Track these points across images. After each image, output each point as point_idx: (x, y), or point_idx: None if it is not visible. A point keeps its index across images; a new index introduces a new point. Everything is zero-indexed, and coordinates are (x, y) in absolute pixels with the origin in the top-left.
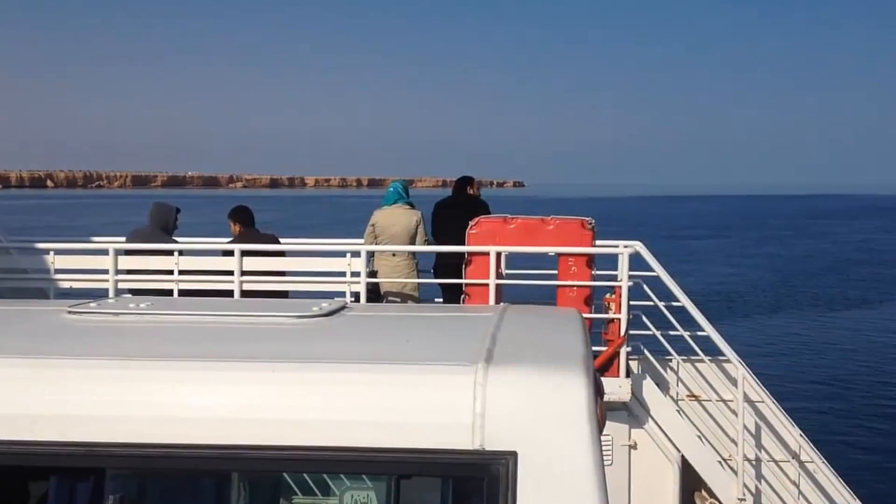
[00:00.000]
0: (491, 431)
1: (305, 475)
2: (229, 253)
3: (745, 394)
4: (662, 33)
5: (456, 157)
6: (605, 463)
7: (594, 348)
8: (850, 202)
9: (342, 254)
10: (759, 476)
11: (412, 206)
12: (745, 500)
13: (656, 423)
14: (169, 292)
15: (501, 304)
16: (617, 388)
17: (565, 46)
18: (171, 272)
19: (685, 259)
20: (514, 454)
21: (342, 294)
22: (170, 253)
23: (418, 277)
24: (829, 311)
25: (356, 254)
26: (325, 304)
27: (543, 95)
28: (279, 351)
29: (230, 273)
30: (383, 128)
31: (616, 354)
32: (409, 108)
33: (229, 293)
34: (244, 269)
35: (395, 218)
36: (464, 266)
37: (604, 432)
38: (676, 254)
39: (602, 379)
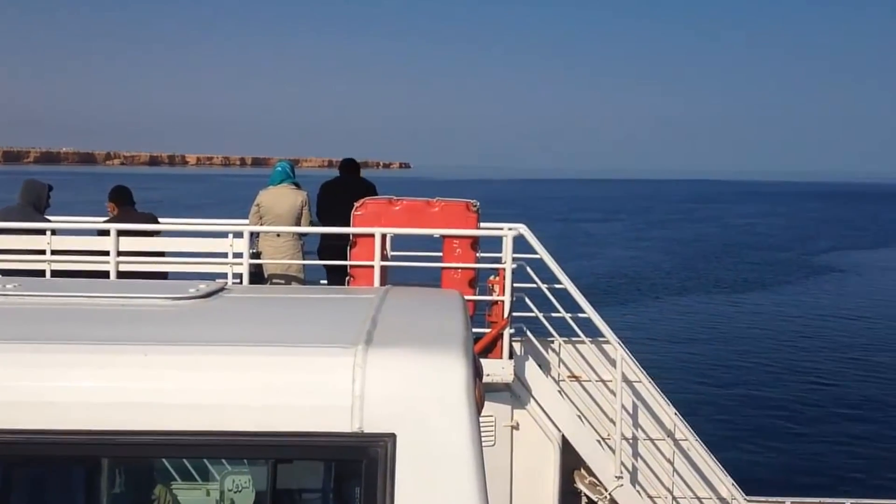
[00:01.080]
0: (370, 414)
1: (185, 460)
2: (105, 232)
3: (623, 374)
4: (554, 13)
5: (343, 137)
6: (488, 444)
7: (478, 330)
8: (735, 188)
9: (224, 234)
10: (636, 454)
11: (298, 186)
12: (622, 477)
13: (538, 403)
14: (41, 273)
15: (383, 286)
16: (500, 369)
17: (451, 21)
18: (42, 252)
19: (585, 242)
20: (392, 436)
21: (224, 276)
22: (42, 232)
23: (303, 259)
24: (722, 294)
25: (239, 234)
26: (203, 286)
27: (430, 75)
28: (152, 334)
29: (105, 253)
30: (268, 106)
31: (499, 336)
32: (294, 86)
33: (105, 274)
34: (120, 249)
35: (281, 198)
36: (349, 248)
37: (487, 413)
38: (574, 237)
39: (485, 360)
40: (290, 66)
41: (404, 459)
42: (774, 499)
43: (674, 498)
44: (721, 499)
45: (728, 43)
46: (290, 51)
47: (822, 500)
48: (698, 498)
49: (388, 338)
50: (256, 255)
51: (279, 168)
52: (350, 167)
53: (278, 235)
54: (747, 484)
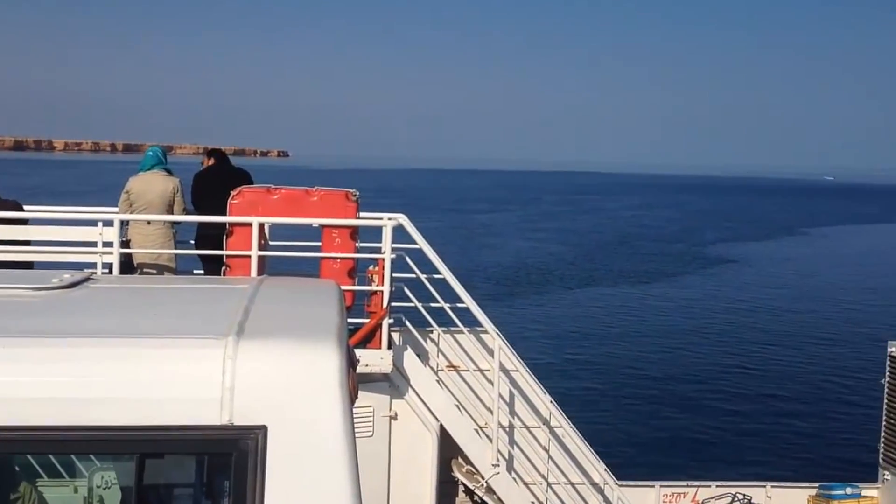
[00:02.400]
0: (240, 406)
1: (50, 457)
2: None
3: (500, 364)
4: (437, 7)
5: (219, 124)
6: (365, 434)
7: (357, 320)
8: (613, 180)
9: (94, 223)
10: (513, 442)
11: (170, 172)
12: (498, 465)
13: (417, 393)
14: None
15: (257, 276)
16: (379, 359)
17: (329, 4)
18: None
19: (484, 233)
20: (263, 428)
21: (94, 266)
22: None
23: (175, 248)
24: (616, 285)
25: (109, 223)
26: (67, 276)
27: (310, 62)
28: (12, 325)
29: None
30: (141, 90)
31: (378, 326)
32: (167, 70)
33: None
34: None
35: (151, 184)
36: (225, 237)
37: (365, 404)
38: (471, 227)
39: (364, 351)
40: (163, 49)
41: (275, 452)
42: (644, 482)
43: (549, 484)
44: (594, 484)
45: (607, 33)
46: (163, 32)
47: (690, 482)
48: (572, 484)
49: (259, 328)
50: (127, 244)
51: (150, 153)
52: (220, 156)
53: (149, 223)
54: (619, 469)
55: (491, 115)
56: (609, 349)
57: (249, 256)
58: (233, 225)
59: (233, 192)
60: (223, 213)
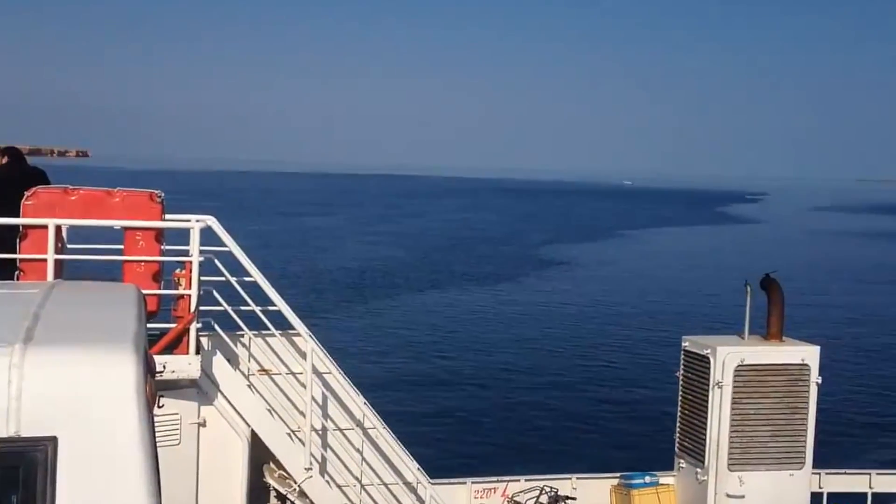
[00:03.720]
0: (28, 417)
1: None
2: None
3: (314, 366)
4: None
5: (12, 121)
6: (172, 442)
7: (163, 325)
8: (429, 183)
9: None
10: (326, 445)
11: None
12: (311, 469)
13: (226, 399)
14: None
15: (50, 281)
16: (186, 365)
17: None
18: None
19: (318, 236)
20: (53, 440)
21: None
22: None
23: None
24: (438, 287)
25: None
26: None
27: (110, 57)
28: None
29: None
30: None
31: (185, 331)
32: None
33: None
34: None
35: None
36: (18, 241)
37: (171, 411)
38: (304, 231)
39: (171, 357)
40: None
41: (67, 463)
42: (456, 480)
43: (362, 486)
44: (407, 483)
45: (423, 34)
46: None
47: (500, 477)
48: (385, 484)
49: (50, 335)
50: None
51: None
52: (15, 155)
53: None
54: (432, 468)
55: (308, 117)
56: (425, 350)
57: (45, 260)
58: (27, 227)
59: (27, 193)
60: (17, 216)
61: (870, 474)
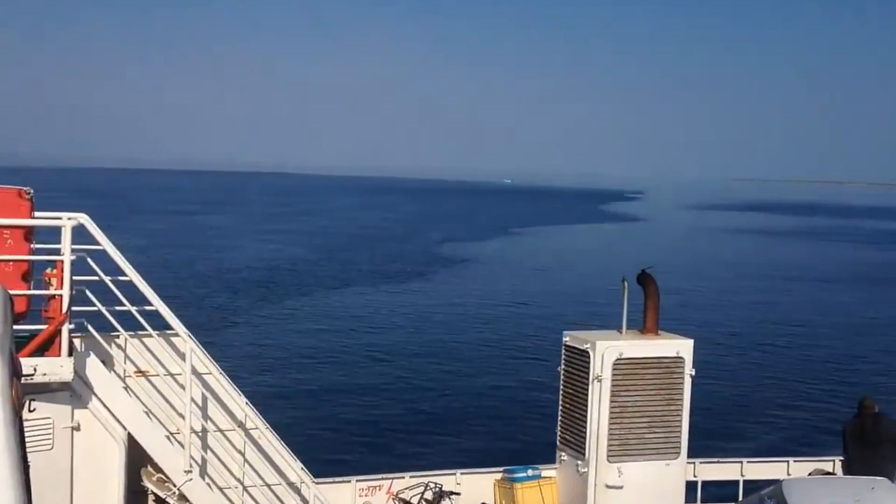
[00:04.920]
0: None
1: None
2: None
3: (193, 367)
4: None
5: None
6: (44, 447)
7: (34, 327)
8: (316, 181)
9: None
10: (207, 447)
11: None
12: (191, 471)
13: (101, 401)
14: None
15: None
16: (58, 368)
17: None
18: None
19: (215, 235)
20: None
21: None
22: None
23: None
24: (345, 285)
25: None
26: None
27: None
28: None
29: None
30: None
31: (57, 333)
32: None
33: None
34: None
35: None
36: None
37: (43, 415)
38: (200, 230)
39: (42, 359)
40: None
41: None
42: (341, 478)
43: (244, 487)
44: (290, 484)
45: (299, 32)
46: None
47: (385, 475)
48: (268, 485)
49: None
50: None
51: None
52: None
53: None
54: (316, 467)
55: (186, 115)
56: (310, 350)
57: None
58: None
59: None
60: None
61: (741, 462)
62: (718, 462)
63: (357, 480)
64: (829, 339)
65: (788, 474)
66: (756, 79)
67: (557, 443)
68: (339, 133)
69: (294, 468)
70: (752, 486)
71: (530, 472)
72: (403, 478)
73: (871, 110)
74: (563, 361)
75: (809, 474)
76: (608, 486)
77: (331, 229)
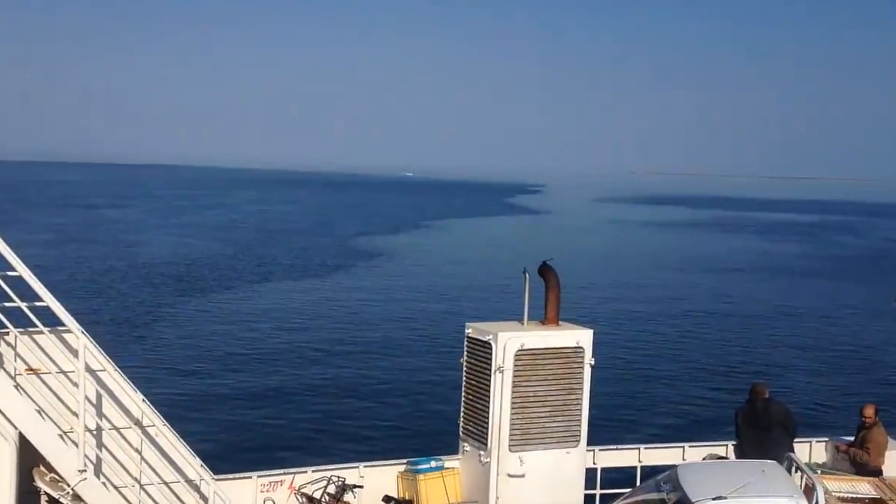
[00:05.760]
0: None
1: None
2: None
3: (87, 364)
4: None
5: None
6: None
7: None
8: (201, 174)
9: None
10: (102, 445)
11: None
12: (86, 470)
13: None
14: None
15: None
16: None
17: None
18: None
19: (121, 230)
20: None
21: None
22: None
23: None
24: (251, 279)
25: None
26: None
27: None
28: None
29: None
30: None
31: None
32: None
33: None
34: None
35: None
36: None
37: None
38: (101, 224)
39: None
40: None
41: None
42: (242, 475)
43: (141, 486)
44: (189, 481)
45: (200, 27)
46: None
47: (287, 470)
48: (166, 483)
49: None
50: None
51: None
52: None
53: None
54: (216, 464)
55: (79, 105)
56: (210, 346)
57: None
58: None
59: None
60: None
61: (639, 449)
62: (617, 449)
63: (258, 476)
64: (723, 327)
65: (684, 459)
66: (653, 72)
67: (460, 434)
68: (232, 126)
69: (193, 465)
70: (650, 471)
71: (433, 464)
72: (306, 472)
73: (764, 106)
74: (465, 353)
75: (703, 459)
76: (510, 475)
77: (240, 223)
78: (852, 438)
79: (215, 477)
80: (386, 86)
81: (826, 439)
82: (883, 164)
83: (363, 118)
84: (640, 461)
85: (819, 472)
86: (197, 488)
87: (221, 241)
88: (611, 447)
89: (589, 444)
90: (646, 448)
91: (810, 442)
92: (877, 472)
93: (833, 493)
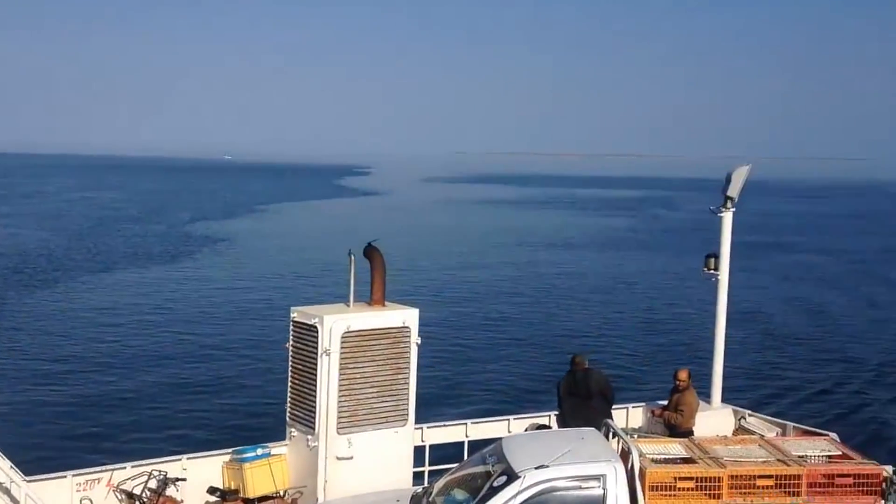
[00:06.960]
0: None
1: None
2: None
3: None
4: None
5: None
6: None
7: None
8: (6, 161)
9: None
10: None
11: None
12: None
13: None
14: None
15: None
16: None
17: None
18: None
19: None
20: None
21: None
22: None
23: None
24: (102, 272)
25: None
26: None
27: None
28: None
29: None
30: None
31: None
32: None
33: None
34: None
35: None
36: None
37: None
38: None
39: None
40: None
41: None
42: (56, 475)
43: None
44: None
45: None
46: None
47: (105, 467)
48: None
49: None
50: None
51: None
52: None
53: None
54: (29, 465)
55: None
56: (24, 340)
57: None
58: None
59: None
60: None
61: (465, 424)
62: (445, 426)
63: (74, 475)
64: (546, 301)
65: (509, 431)
66: (480, 55)
67: (287, 419)
68: (38, 109)
69: (2, 467)
70: (477, 445)
71: (259, 452)
72: (125, 468)
73: (586, 86)
74: (291, 338)
75: (526, 429)
76: (339, 458)
77: (66, 211)
78: (666, 402)
79: (27, 478)
80: (195, 66)
81: (643, 405)
82: (696, 141)
83: (172, 99)
84: (467, 436)
85: (635, 436)
86: (7, 491)
87: (52, 230)
88: (438, 424)
89: (417, 422)
90: (472, 423)
91: (627, 408)
92: (688, 434)
93: (647, 456)
